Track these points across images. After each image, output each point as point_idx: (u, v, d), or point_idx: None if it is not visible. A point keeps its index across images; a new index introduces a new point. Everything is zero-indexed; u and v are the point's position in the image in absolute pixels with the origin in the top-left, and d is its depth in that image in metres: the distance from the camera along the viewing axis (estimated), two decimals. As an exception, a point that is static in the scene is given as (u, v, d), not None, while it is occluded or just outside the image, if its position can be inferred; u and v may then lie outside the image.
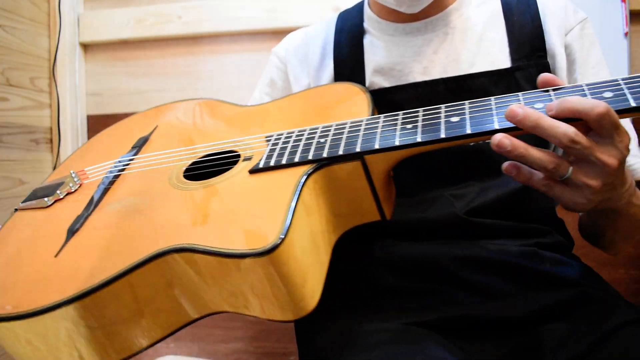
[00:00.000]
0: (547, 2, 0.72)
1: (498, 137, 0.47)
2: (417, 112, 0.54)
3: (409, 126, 0.51)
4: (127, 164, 0.67)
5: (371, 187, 0.54)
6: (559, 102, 0.47)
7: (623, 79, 0.48)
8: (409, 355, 0.50)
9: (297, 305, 0.46)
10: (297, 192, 0.47)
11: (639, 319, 0.53)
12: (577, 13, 0.73)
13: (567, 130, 0.45)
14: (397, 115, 0.54)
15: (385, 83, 0.72)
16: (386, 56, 0.73)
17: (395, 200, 0.61)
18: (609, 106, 0.45)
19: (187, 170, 0.61)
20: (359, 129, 0.53)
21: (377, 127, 0.53)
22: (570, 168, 0.47)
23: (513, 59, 0.69)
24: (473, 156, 0.66)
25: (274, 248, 0.42)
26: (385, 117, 0.54)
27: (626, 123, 0.69)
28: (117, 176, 0.65)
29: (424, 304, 0.61)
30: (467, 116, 0.50)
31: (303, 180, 0.49)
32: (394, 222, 0.65)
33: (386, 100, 0.70)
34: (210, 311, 0.50)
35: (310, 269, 0.47)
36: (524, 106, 0.47)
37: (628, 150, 0.47)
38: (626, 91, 0.47)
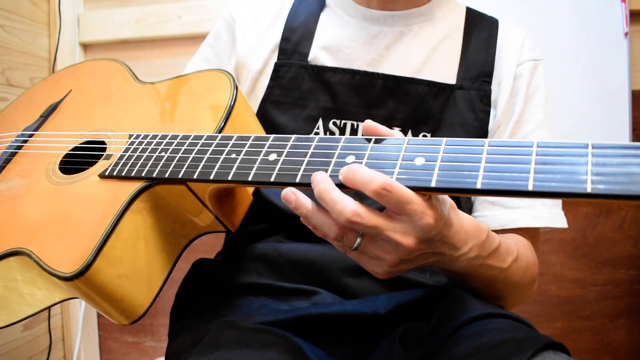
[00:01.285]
0: (508, 35, 0.73)
1: (285, 190, 0.45)
2: (248, 138, 0.52)
3: (232, 156, 0.51)
4: (29, 138, 0.70)
5: (205, 206, 0.55)
6: (347, 168, 0.43)
7: (448, 143, 0.43)
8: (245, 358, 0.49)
9: (123, 314, 0.52)
10: (116, 218, 0.50)
11: (485, 315, 0.53)
12: (534, 50, 0.73)
13: (344, 209, 0.41)
14: (230, 138, 0.53)
15: (328, 62, 0.71)
16: (338, 36, 0.72)
17: (243, 210, 0.61)
18: (387, 182, 0.40)
19: (68, 156, 0.64)
20: (194, 149, 0.53)
21: (208, 149, 0.53)
22: (358, 240, 0.44)
23: (459, 78, 0.70)
24: None
25: (77, 276, 0.47)
26: (221, 137, 0.54)
27: None
28: (14, 153, 0.68)
29: (293, 304, 0.61)
30: (282, 158, 0.48)
31: (127, 202, 0.51)
32: (285, 218, 0.66)
33: (322, 79, 0.69)
34: (51, 302, 0.56)
35: (132, 286, 0.51)
36: (323, 174, 0.43)
37: (432, 227, 0.42)
38: (438, 163, 0.41)
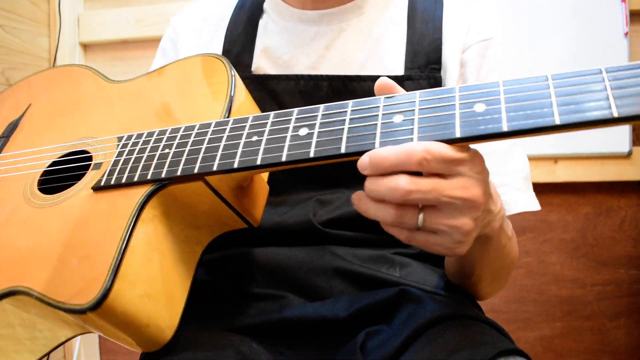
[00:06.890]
0: (453, 16, 0.68)
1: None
2: (268, 116, 0.47)
3: (254, 138, 0.45)
4: None
5: (225, 202, 0.50)
6: (369, 157, 0.39)
7: (506, 84, 0.39)
8: None
9: (150, 341, 0.45)
10: (128, 231, 0.44)
11: (443, 318, 0.52)
12: (481, 32, 0.67)
13: (397, 185, 0.38)
14: (246, 120, 0.48)
15: (270, 70, 0.69)
16: (276, 42, 0.70)
17: (263, 201, 0.58)
18: (427, 148, 0.37)
19: (46, 174, 0.57)
20: (204, 139, 0.48)
21: (222, 136, 0.47)
22: (421, 215, 0.40)
23: (406, 68, 0.66)
24: (352, 162, 0.65)
25: (96, 305, 0.41)
26: (234, 121, 0.48)
27: (516, 153, 0.65)
28: None
29: (261, 309, 0.60)
30: (316, 131, 0.43)
31: (137, 211, 0.45)
32: (243, 233, 0.65)
33: (267, 88, 0.67)
34: (56, 343, 0.51)
35: (156, 306, 0.45)
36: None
37: (483, 173, 0.40)
38: (503, 106, 0.38)
